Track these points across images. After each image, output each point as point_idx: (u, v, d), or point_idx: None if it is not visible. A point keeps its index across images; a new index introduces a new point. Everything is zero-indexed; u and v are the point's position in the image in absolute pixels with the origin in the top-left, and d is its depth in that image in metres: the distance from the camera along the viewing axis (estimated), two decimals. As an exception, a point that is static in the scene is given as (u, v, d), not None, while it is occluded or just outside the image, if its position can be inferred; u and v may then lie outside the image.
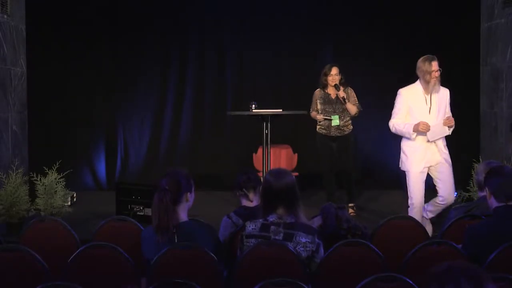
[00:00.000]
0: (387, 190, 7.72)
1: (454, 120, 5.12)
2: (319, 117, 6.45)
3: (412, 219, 4.09)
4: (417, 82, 5.13)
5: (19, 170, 6.10)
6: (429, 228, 5.04)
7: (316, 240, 3.13)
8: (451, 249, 3.16)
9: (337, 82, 6.38)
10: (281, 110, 6.32)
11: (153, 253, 3.02)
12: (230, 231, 3.64)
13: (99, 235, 3.69)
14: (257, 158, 7.31)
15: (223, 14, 8.21)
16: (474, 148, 7.37)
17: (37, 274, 3.03)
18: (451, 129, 5.11)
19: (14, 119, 6.85)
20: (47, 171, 6.09)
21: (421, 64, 5.05)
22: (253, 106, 6.39)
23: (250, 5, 8.15)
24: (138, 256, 3.18)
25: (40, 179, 5.97)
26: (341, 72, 6.44)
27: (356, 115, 6.46)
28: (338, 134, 6.45)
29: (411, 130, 5.02)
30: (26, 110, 7.24)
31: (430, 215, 5.24)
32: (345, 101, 6.34)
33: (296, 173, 6.89)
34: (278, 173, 3.27)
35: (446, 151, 5.15)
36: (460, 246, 3.25)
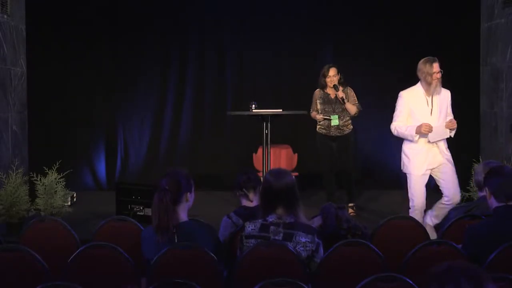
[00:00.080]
0: (387, 190, 7.72)
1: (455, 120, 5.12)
2: (319, 117, 6.45)
3: (412, 219, 4.09)
4: (418, 84, 5.10)
5: (19, 170, 6.10)
6: (433, 236, 4.93)
7: (316, 239, 3.13)
8: (451, 249, 3.16)
9: (336, 83, 6.38)
10: (281, 110, 6.31)
11: (153, 253, 3.02)
12: (230, 231, 3.64)
13: (99, 235, 3.69)
14: (257, 158, 7.31)
15: (223, 14, 8.21)
16: (474, 148, 7.37)
17: (37, 274, 3.03)
18: (453, 132, 5.10)
19: (14, 119, 6.85)
20: (47, 171, 6.09)
21: (422, 66, 5.02)
22: (253, 106, 6.39)
23: (250, 5, 8.15)
24: (138, 256, 3.18)
25: (40, 179, 5.97)
26: (340, 72, 6.44)
27: (356, 115, 6.46)
28: (338, 134, 6.45)
29: (413, 132, 4.99)
30: (26, 110, 7.24)
31: (436, 221, 5.13)
32: (343, 102, 6.34)
33: (296, 173, 6.89)
34: (278, 173, 3.27)
35: (448, 153, 5.12)
36: (460, 246, 3.25)
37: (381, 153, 8.07)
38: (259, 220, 3.20)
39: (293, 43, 8.15)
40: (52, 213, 5.84)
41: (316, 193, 7.18)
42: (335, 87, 6.38)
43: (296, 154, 7.60)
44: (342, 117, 6.42)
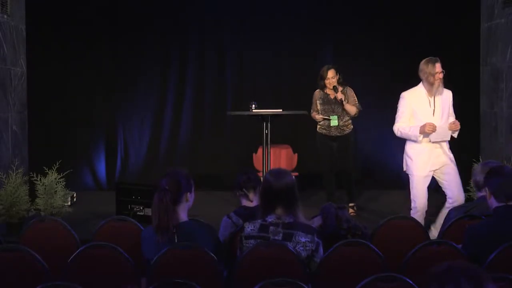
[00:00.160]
0: (387, 190, 7.72)
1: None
2: (318, 117, 6.45)
3: (412, 219, 4.10)
4: (420, 85, 5.08)
5: (19, 170, 6.10)
6: None
7: (316, 239, 3.13)
8: (451, 249, 3.16)
9: (335, 84, 6.38)
10: (281, 110, 6.31)
11: (153, 253, 3.02)
12: (230, 231, 3.64)
13: (99, 235, 3.69)
14: (257, 158, 7.31)
15: (223, 14, 8.21)
16: (474, 148, 7.36)
17: (37, 274, 3.03)
18: (456, 133, 5.08)
19: (14, 119, 6.85)
20: (47, 171, 6.09)
21: (424, 66, 5.00)
22: (253, 106, 6.39)
23: (250, 5, 8.15)
24: (138, 256, 3.18)
25: (40, 179, 5.96)
26: (338, 72, 6.44)
27: (356, 115, 6.45)
28: (338, 134, 6.45)
29: (417, 133, 4.96)
30: (26, 110, 7.24)
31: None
32: (342, 103, 6.34)
33: (296, 173, 6.89)
34: (278, 173, 3.27)
35: (450, 154, 5.11)
36: (460, 246, 3.25)
37: (381, 153, 8.07)
38: (258, 221, 3.20)
39: (293, 43, 8.15)
40: (52, 213, 5.83)
41: (316, 193, 7.18)
42: (334, 89, 6.38)
43: (296, 154, 7.60)
44: (342, 117, 6.41)
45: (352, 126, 6.52)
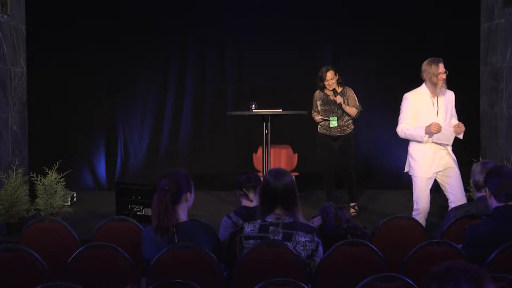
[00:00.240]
0: (387, 190, 7.72)
1: (454, 120, 5.11)
2: (317, 118, 6.45)
3: (412, 219, 4.09)
4: (423, 86, 5.04)
5: (19, 170, 6.09)
6: None
7: (316, 239, 3.13)
8: (451, 249, 3.16)
9: (335, 86, 6.37)
10: (281, 110, 6.32)
11: (153, 253, 3.02)
12: (230, 231, 3.63)
13: (99, 235, 3.69)
14: (257, 158, 7.31)
15: (223, 14, 8.21)
16: (474, 148, 7.36)
17: (37, 274, 3.03)
18: (462, 134, 5.05)
19: (14, 119, 6.85)
20: (47, 171, 6.09)
21: (428, 67, 4.97)
22: (253, 106, 6.39)
23: (250, 5, 8.15)
24: (138, 256, 3.18)
25: (40, 179, 5.96)
26: (337, 72, 6.42)
27: (356, 116, 6.45)
28: (339, 134, 6.45)
29: (423, 133, 4.92)
30: (26, 110, 7.24)
31: None
32: (341, 106, 6.33)
33: (296, 173, 6.89)
34: (278, 173, 3.26)
35: (453, 155, 5.09)
36: (460, 246, 3.25)
37: (382, 153, 8.07)
38: (258, 221, 3.19)
39: (293, 43, 8.15)
40: (52, 213, 5.83)
41: (316, 193, 7.19)
42: (333, 92, 6.38)
43: (296, 154, 7.60)
44: (342, 118, 6.41)
45: (352, 126, 6.52)
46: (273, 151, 6.77)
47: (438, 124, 4.88)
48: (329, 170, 6.57)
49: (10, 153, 6.69)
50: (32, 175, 6.08)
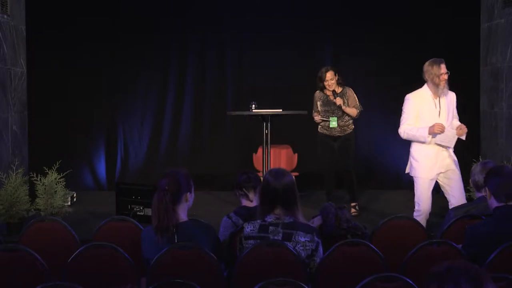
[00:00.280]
0: (387, 190, 7.72)
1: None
2: (317, 119, 6.45)
3: (412, 219, 4.09)
4: (425, 87, 5.02)
5: (19, 170, 6.10)
6: None
7: (315, 238, 3.13)
8: (451, 249, 3.16)
9: (334, 87, 6.37)
10: (281, 110, 6.32)
11: (153, 253, 3.02)
12: (230, 231, 3.63)
13: (99, 235, 3.69)
14: (257, 158, 7.31)
15: (223, 14, 8.21)
16: (474, 148, 7.36)
17: (37, 274, 3.03)
18: (464, 135, 5.03)
19: (14, 119, 6.85)
20: (47, 171, 6.09)
21: (429, 68, 4.95)
22: (253, 106, 6.39)
23: (250, 5, 8.15)
24: (138, 256, 3.18)
25: (40, 179, 5.96)
26: (337, 73, 6.42)
27: (357, 116, 6.45)
28: (340, 134, 6.45)
29: (426, 134, 4.88)
30: (26, 110, 7.24)
31: None
32: (341, 108, 6.33)
33: (296, 173, 6.89)
34: (278, 173, 3.26)
35: (455, 157, 5.08)
36: (460, 246, 3.25)
37: (382, 153, 8.07)
38: (258, 221, 3.19)
39: (293, 43, 8.15)
40: (52, 213, 5.83)
41: (316, 193, 7.19)
42: (333, 93, 6.38)
43: (296, 154, 7.60)
44: (342, 118, 6.41)
45: (353, 126, 6.52)
46: (273, 151, 6.77)
47: (442, 124, 4.86)
48: (329, 170, 6.57)
49: (10, 153, 6.69)
50: (32, 175, 6.08)
